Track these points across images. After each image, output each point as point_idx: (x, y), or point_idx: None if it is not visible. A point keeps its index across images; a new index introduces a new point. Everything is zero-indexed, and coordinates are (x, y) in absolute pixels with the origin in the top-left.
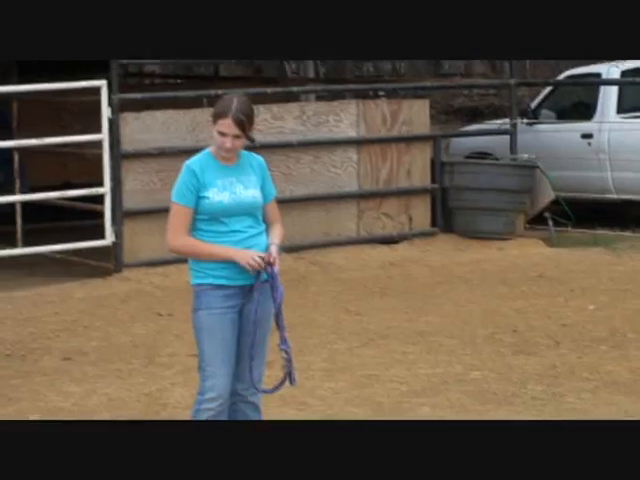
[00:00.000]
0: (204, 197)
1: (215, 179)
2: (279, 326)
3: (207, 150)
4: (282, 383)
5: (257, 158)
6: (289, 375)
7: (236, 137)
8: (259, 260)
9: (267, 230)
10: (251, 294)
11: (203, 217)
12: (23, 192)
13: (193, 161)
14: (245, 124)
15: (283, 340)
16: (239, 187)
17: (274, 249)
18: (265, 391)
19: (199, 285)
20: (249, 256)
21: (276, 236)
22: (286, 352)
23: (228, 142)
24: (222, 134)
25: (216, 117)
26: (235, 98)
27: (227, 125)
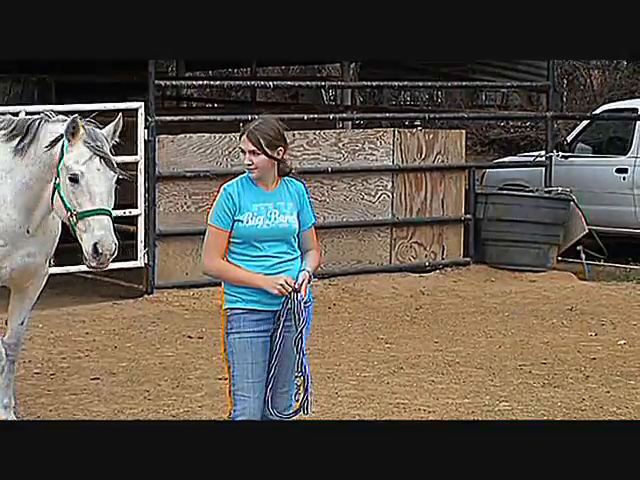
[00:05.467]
0: (239, 221)
1: (251, 203)
2: (298, 351)
3: (246, 175)
4: (297, 411)
5: (296, 184)
6: (304, 403)
7: (253, 153)
8: (285, 285)
9: (302, 256)
10: (280, 319)
11: (237, 241)
12: None
13: (231, 184)
14: (260, 141)
15: (300, 366)
16: (274, 213)
17: (302, 275)
18: (279, 416)
19: (232, 309)
20: (274, 281)
21: (309, 263)
22: (302, 378)
23: (246, 158)
24: (242, 151)
25: (240, 137)
26: (260, 119)
27: (244, 141)
